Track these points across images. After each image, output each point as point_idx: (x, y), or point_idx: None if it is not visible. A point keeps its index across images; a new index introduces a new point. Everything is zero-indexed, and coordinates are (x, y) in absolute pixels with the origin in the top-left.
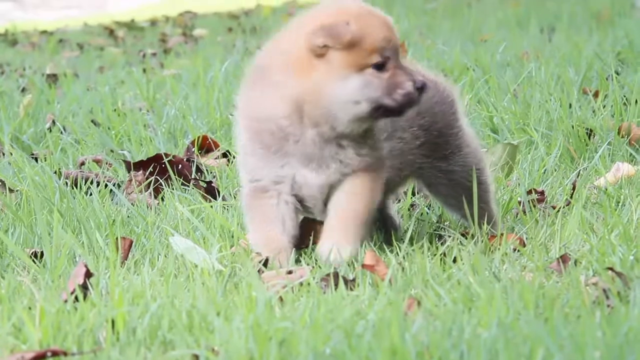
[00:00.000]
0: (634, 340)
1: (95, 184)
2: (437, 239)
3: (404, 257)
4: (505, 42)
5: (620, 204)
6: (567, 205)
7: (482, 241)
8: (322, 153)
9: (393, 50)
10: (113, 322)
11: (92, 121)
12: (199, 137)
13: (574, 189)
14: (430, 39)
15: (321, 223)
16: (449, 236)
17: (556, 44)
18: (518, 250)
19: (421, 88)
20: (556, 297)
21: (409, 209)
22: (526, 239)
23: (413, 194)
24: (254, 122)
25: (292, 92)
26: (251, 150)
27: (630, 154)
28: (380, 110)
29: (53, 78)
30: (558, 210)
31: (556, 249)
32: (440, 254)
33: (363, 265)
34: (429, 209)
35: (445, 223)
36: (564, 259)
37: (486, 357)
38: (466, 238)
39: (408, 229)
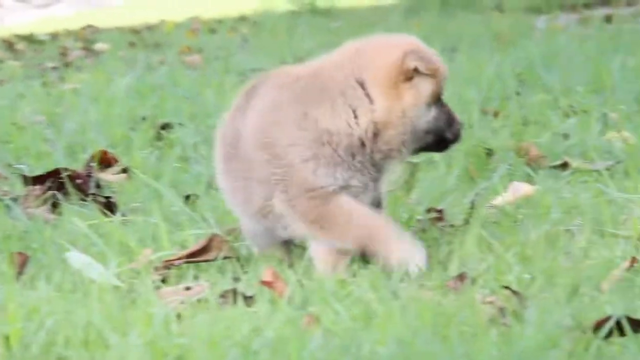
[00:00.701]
0: (529, 359)
1: None
2: None
3: (303, 274)
4: None
5: (517, 223)
6: (465, 224)
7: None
8: (380, 165)
9: (444, 92)
10: (7, 337)
11: None
12: (98, 152)
13: (472, 208)
14: None
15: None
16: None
17: (458, 63)
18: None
19: (462, 125)
20: (453, 315)
21: None
22: (426, 257)
23: None
24: (325, 136)
25: (375, 112)
26: (315, 160)
27: (528, 174)
28: (438, 143)
29: None
30: (456, 229)
31: (454, 267)
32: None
33: (262, 282)
34: None
35: None
36: (461, 277)
37: None
38: (366, 255)
39: (308, 246)
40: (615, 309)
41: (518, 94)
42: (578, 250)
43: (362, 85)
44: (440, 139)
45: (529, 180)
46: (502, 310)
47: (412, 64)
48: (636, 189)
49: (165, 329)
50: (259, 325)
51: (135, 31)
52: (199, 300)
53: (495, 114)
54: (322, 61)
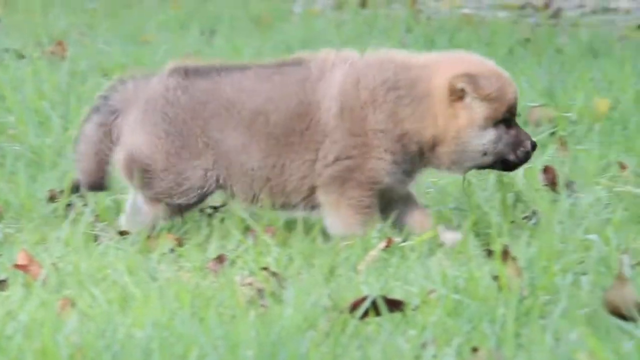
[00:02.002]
0: (286, 339)
1: None
2: (93, 239)
3: (59, 258)
4: (166, 43)
5: None
6: (225, 206)
7: (139, 241)
8: (418, 172)
9: (516, 109)
10: None
11: None
12: None
13: None
14: (89, 38)
15: None
16: (106, 237)
17: (217, 47)
18: (175, 251)
19: (534, 147)
20: (212, 297)
21: (64, 209)
22: (184, 239)
23: (72, 192)
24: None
25: (436, 127)
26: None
27: None
28: (499, 164)
29: None
30: (216, 211)
31: (213, 249)
32: (97, 254)
33: (15, 266)
34: (86, 207)
35: (103, 223)
36: (220, 259)
37: (140, 357)
38: (124, 238)
39: (63, 228)
40: (372, 289)
41: None
42: None
43: (432, 98)
44: (501, 160)
45: None
46: (260, 292)
47: (460, 85)
48: None
49: None
50: (12, 309)
51: None
52: None
53: None
54: (413, 58)
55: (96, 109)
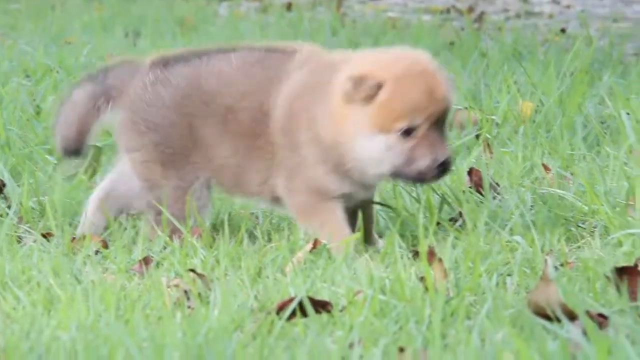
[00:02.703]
0: (213, 340)
1: None
2: (17, 240)
3: None
4: (90, 44)
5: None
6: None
7: (64, 243)
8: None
9: (427, 119)
10: None
11: None
12: None
13: None
14: (12, 39)
15: None
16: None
17: (141, 48)
18: (101, 252)
19: (443, 166)
20: (137, 298)
21: None
22: (109, 241)
23: None
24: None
25: (333, 131)
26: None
27: None
28: (401, 177)
29: None
30: (142, 213)
31: (139, 251)
32: (21, 256)
33: None
34: (9, 209)
35: (27, 224)
36: (146, 261)
37: (65, 359)
38: (48, 240)
39: None
40: (298, 290)
41: None
42: (262, 233)
43: (332, 99)
44: (396, 172)
45: None
46: (187, 293)
47: (347, 86)
48: None
49: None
50: None
51: None
52: None
53: None
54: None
55: (92, 78)
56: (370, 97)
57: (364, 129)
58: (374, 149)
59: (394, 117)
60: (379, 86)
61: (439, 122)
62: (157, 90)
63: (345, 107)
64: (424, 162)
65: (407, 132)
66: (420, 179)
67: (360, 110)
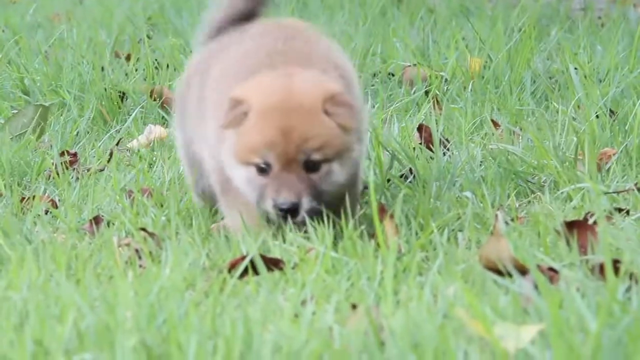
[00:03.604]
0: (165, 299)
1: None
2: None
3: None
4: (36, 3)
5: (153, 166)
6: (101, 169)
7: (13, 203)
8: None
9: (277, 159)
10: None
11: None
12: None
13: (111, 154)
14: None
15: None
16: None
17: (88, 6)
18: (50, 212)
19: (285, 212)
20: (88, 258)
21: None
22: (59, 200)
23: None
24: None
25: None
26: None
27: (162, 117)
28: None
29: None
30: (92, 172)
31: (89, 210)
32: None
33: None
34: None
35: None
36: (96, 220)
37: (16, 320)
38: None
39: None
40: (250, 248)
41: (149, 37)
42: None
43: None
44: (259, 207)
45: (163, 123)
46: (138, 252)
47: (226, 107)
48: None
49: None
50: None
51: None
52: None
53: (128, 58)
54: None
55: None
56: (238, 124)
57: (232, 156)
58: (237, 178)
59: (250, 150)
60: (244, 114)
61: (293, 164)
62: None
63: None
64: (268, 203)
65: (261, 169)
66: (278, 215)
67: (232, 135)
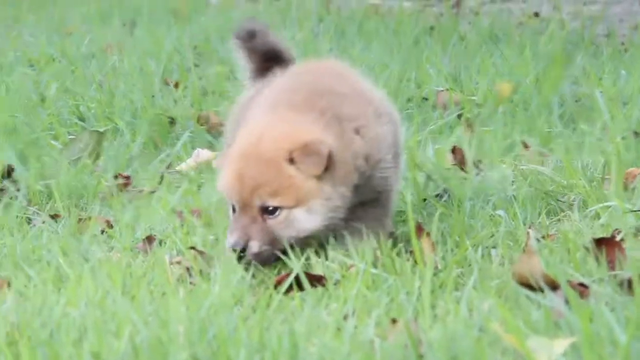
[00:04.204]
0: (215, 314)
1: None
2: (26, 222)
3: None
4: (90, 35)
5: (200, 188)
6: (151, 189)
7: (71, 224)
8: None
9: (237, 202)
10: None
11: None
12: None
13: (162, 176)
14: (16, 31)
15: None
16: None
17: (138, 37)
18: (106, 232)
19: (240, 252)
20: (142, 275)
21: None
22: (114, 221)
23: (3, 177)
24: None
25: None
26: None
27: (209, 141)
28: None
29: None
30: (143, 194)
31: (142, 230)
32: (30, 237)
33: None
34: (18, 192)
35: (35, 207)
36: (149, 239)
37: (75, 335)
38: (56, 221)
39: None
40: (294, 266)
41: (196, 66)
42: None
43: None
44: None
45: (210, 146)
46: (189, 270)
47: None
48: None
49: None
50: None
51: None
52: None
53: (176, 85)
54: None
55: None
56: (223, 165)
57: None
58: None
59: (223, 190)
60: (223, 157)
61: (250, 208)
62: None
63: None
64: (228, 241)
65: (233, 208)
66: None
67: None
